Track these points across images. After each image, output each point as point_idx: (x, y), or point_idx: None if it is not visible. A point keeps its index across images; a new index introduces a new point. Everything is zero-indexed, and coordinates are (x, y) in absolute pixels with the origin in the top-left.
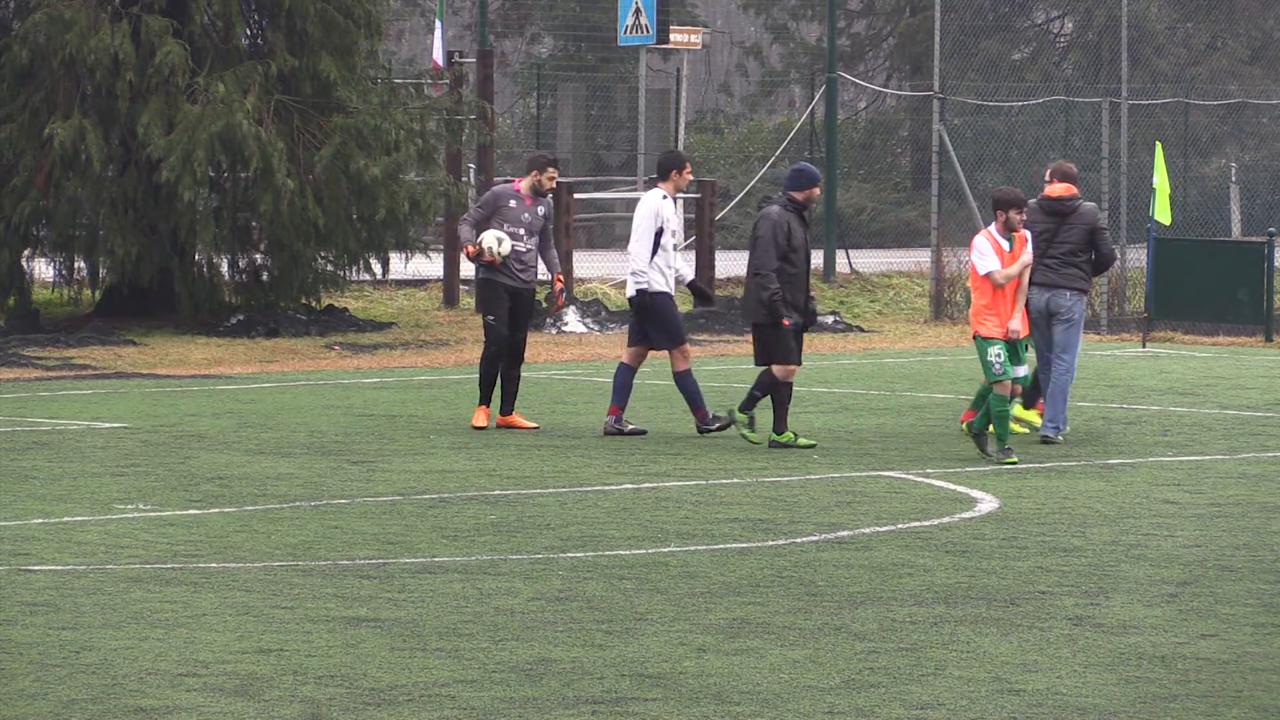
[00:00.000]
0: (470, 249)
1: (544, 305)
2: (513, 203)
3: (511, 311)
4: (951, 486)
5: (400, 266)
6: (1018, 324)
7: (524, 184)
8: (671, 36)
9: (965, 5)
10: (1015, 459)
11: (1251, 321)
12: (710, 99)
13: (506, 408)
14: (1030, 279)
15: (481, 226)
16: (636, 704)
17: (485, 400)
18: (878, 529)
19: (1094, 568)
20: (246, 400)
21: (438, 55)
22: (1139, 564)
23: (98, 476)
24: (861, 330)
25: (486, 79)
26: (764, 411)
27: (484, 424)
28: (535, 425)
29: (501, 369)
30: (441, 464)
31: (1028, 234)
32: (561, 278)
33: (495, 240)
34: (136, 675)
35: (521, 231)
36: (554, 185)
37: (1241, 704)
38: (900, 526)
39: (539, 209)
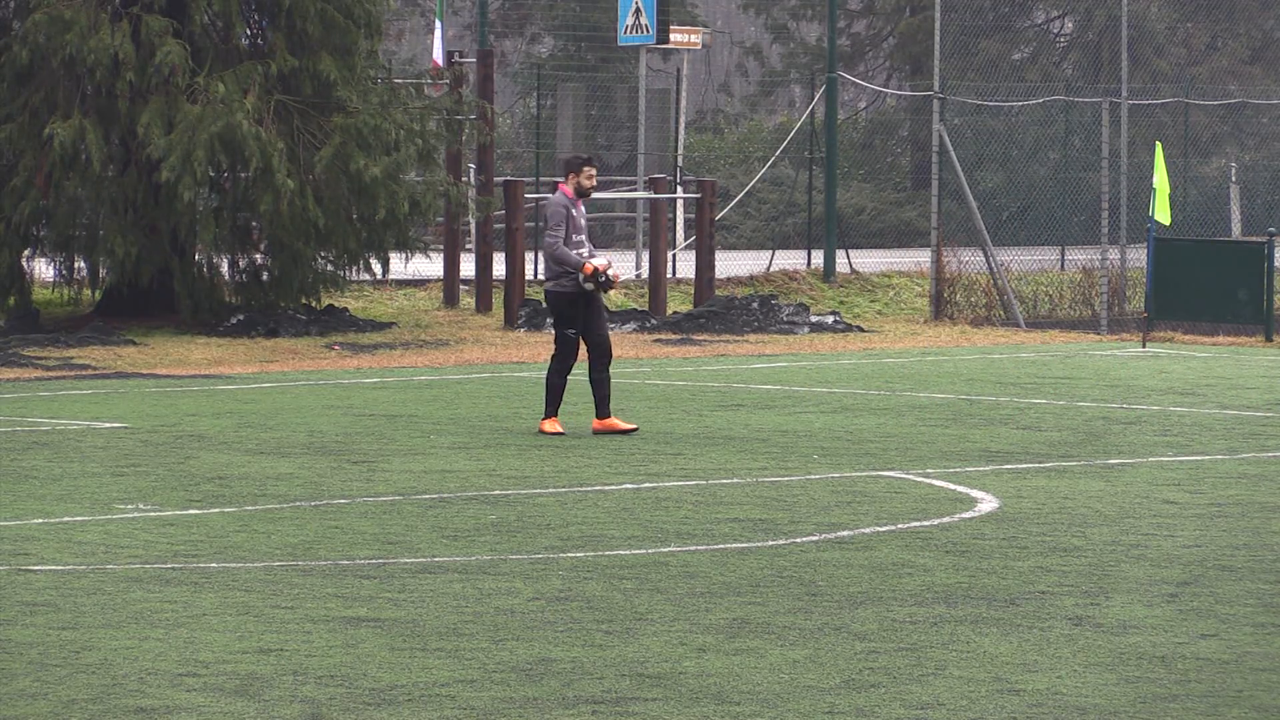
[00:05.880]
0: (589, 268)
1: (544, 304)
2: (574, 211)
3: (587, 313)
4: (951, 486)
5: (400, 266)
6: None
7: (570, 188)
8: (671, 36)
9: (965, 5)
10: None
11: (1251, 321)
12: (710, 99)
13: (603, 411)
14: None
15: (564, 243)
16: (636, 704)
17: (553, 411)
18: (878, 529)
19: (1094, 568)
20: (246, 400)
21: (438, 55)
22: (1139, 564)
23: (98, 476)
24: (861, 330)
25: (486, 79)
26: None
27: (559, 429)
28: (634, 426)
29: (592, 373)
30: (441, 464)
31: None
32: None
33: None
34: (136, 675)
35: (584, 238)
36: (594, 184)
37: (1241, 704)
38: (900, 526)
39: (584, 210)
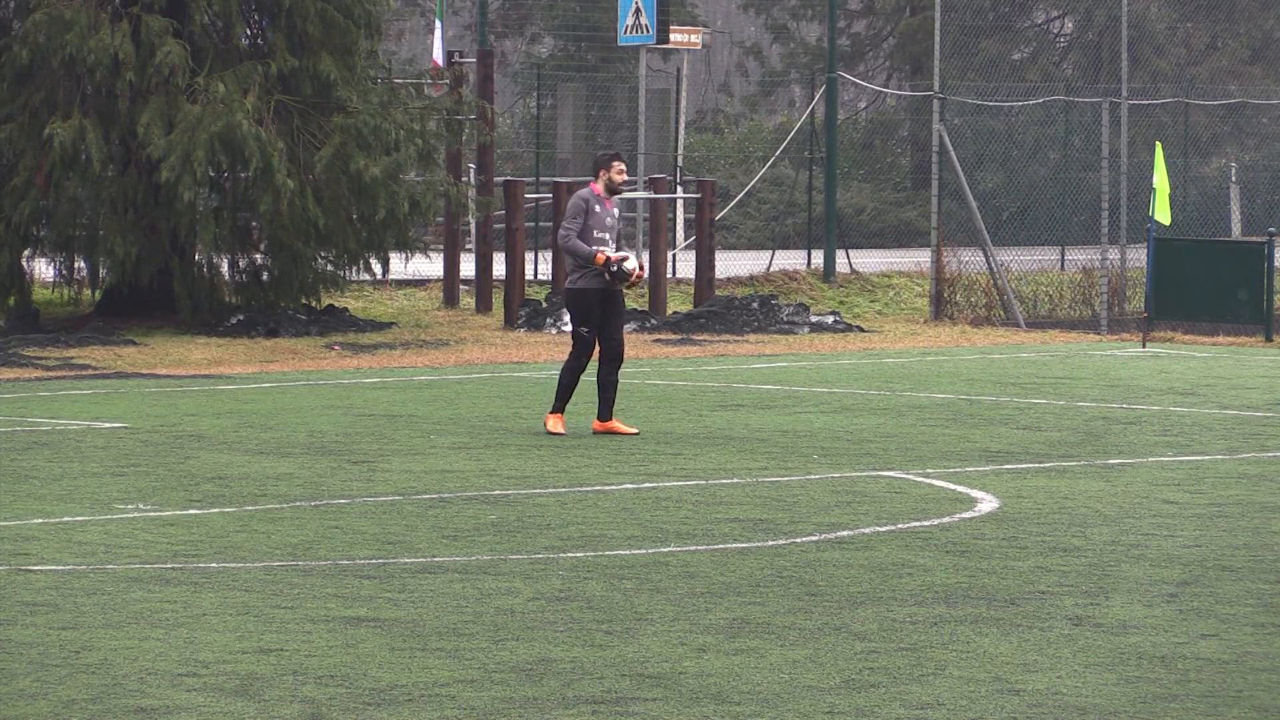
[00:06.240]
0: (601, 258)
1: (544, 304)
2: (598, 207)
3: (605, 314)
4: (951, 486)
5: (400, 266)
6: None
7: (600, 185)
8: (671, 36)
9: (965, 5)
10: None
11: (1251, 321)
12: (710, 99)
13: (605, 414)
14: None
15: (583, 238)
16: (636, 704)
17: (560, 408)
18: (878, 529)
19: (1094, 568)
20: (246, 400)
21: (438, 55)
22: (1139, 564)
23: (98, 476)
24: (861, 330)
25: (486, 79)
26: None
27: (560, 430)
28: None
29: (600, 375)
30: (441, 464)
31: None
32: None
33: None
34: (136, 675)
35: (608, 236)
36: (624, 178)
37: (1241, 704)
38: (900, 526)
39: (615, 210)
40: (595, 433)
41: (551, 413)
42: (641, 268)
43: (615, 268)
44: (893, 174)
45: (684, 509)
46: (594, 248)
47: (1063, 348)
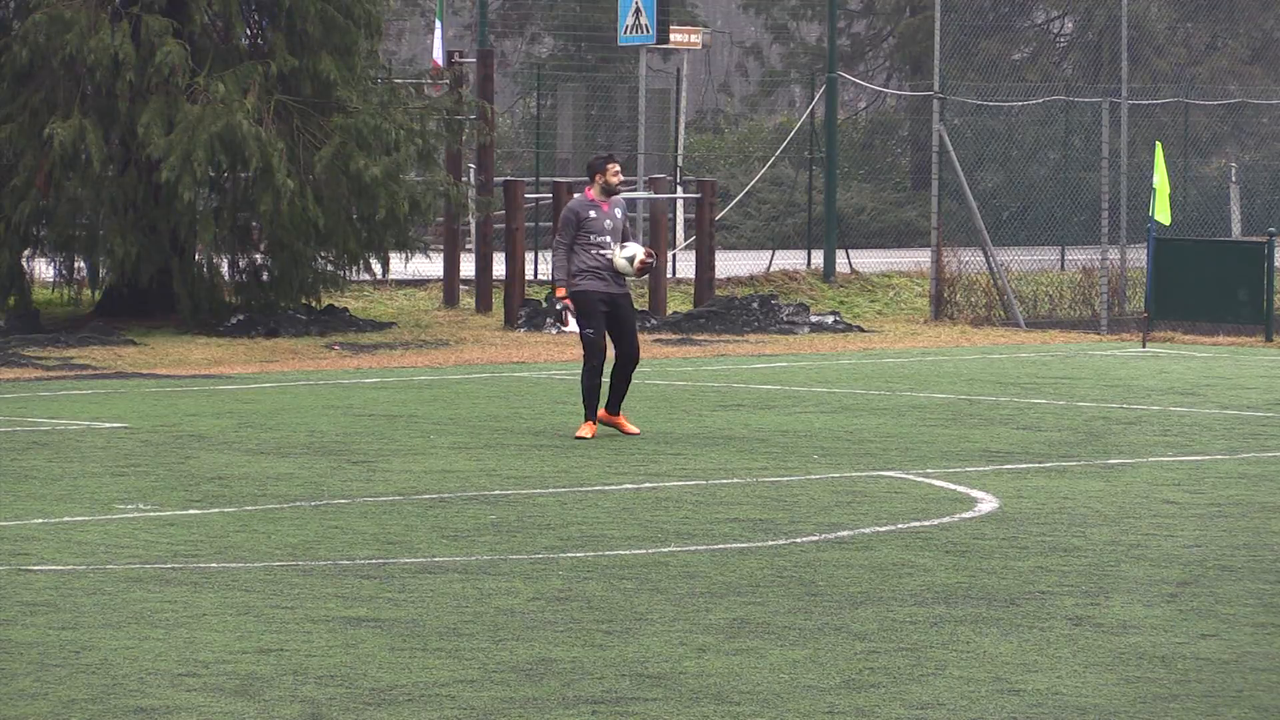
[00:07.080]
0: (560, 291)
1: (544, 304)
2: (592, 213)
3: (612, 319)
4: (951, 486)
5: (400, 266)
6: None
7: (594, 191)
8: (671, 36)
9: (965, 5)
10: None
11: (1251, 321)
12: (710, 99)
13: (614, 406)
14: None
15: (574, 249)
16: (636, 704)
17: (591, 415)
18: (878, 529)
19: (1094, 568)
20: (246, 400)
21: (438, 55)
22: (1139, 564)
23: (98, 476)
24: (861, 330)
25: (486, 79)
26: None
27: (588, 435)
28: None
29: (614, 374)
30: (441, 464)
31: None
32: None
33: (625, 262)
34: (136, 675)
35: (608, 239)
36: (620, 180)
37: (1241, 704)
38: (900, 526)
39: (616, 211)
40: (601, 421)
41: (584, 422)
42: (649, 253)
43: (559, 304)
44: (893, 174)
45: (684, 509)
46: (598, 253)
47: (1063, 348)
